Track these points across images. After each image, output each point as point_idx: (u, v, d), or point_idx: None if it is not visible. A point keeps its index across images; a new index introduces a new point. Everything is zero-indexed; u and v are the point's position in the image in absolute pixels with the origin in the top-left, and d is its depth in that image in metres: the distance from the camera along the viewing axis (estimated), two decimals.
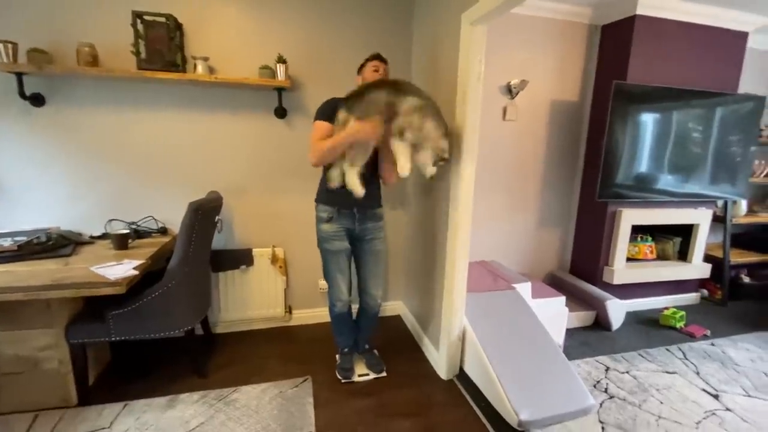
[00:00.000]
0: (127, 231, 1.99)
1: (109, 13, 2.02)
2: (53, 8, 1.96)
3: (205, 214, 1.87)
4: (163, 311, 1.84)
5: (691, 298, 3.24)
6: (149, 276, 1.84)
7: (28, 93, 1.96)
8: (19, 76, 1.92)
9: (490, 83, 2.63)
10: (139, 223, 2.24)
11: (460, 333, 2.06)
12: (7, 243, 1.77)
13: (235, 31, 2.22)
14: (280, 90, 2.25)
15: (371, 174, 1.88)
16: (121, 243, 1.94)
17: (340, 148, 1.70)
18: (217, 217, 2.09)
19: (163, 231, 2.25)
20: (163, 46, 2.04)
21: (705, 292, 3.31)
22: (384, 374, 2.11)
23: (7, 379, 1.70)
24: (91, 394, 1.84)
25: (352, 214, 1.88)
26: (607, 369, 2.23)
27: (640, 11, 2.51)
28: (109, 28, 2.02)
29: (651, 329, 2.75)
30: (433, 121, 1.66)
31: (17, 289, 1.48)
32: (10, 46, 1.82)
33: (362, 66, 1.94)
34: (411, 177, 2.59)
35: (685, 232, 3.12)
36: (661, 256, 3.16)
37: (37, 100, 2.00)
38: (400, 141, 1.67)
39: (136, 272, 1.64)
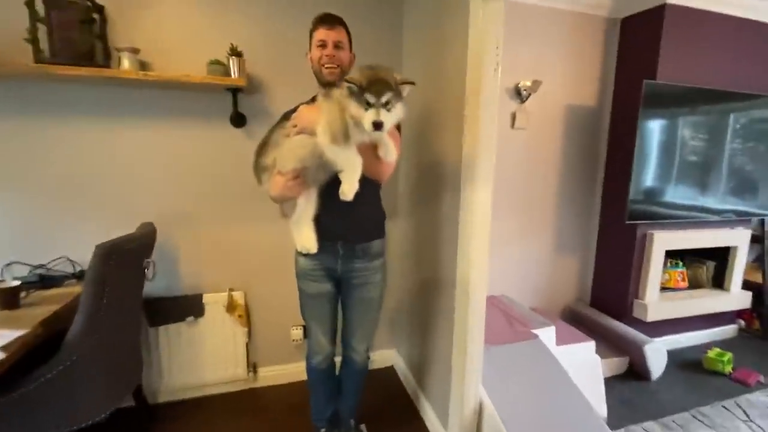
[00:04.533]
0: (17, 284, 1.44)
1: None
2: None
3: (121, 260, 1.34)
4: (63, 398, 1.30)
5: (728, 331, 2.82)
6: (54, 342, 1.29)
7: None
8: None
9: None
10: (48, 266, 1.70)
11: (476, 406, 1.56)
12: None
13: (177, 17, 1.73)
14: (234, 91, 1.76)
15: (362, 192, 1.21)
16: (7, 300, 1.40)
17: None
18: (146, 260, 1.56)
19: (80, 276, 1.70)
20: (74, 34, 1.53)
21: (741, 322, 2.90)
22: None
23: None
24: None
25: (334, 248, 1.39)
26: None
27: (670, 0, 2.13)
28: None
29: (695, 376, 2.30)
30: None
31: None
32: None
33: (310, 36, 1.39)
34: (403, 193, 2.14)
35: (718, 254, 2.71)
36: (693, 284, 2.73)
37: None
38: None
39: (1, 356, 1.10)
